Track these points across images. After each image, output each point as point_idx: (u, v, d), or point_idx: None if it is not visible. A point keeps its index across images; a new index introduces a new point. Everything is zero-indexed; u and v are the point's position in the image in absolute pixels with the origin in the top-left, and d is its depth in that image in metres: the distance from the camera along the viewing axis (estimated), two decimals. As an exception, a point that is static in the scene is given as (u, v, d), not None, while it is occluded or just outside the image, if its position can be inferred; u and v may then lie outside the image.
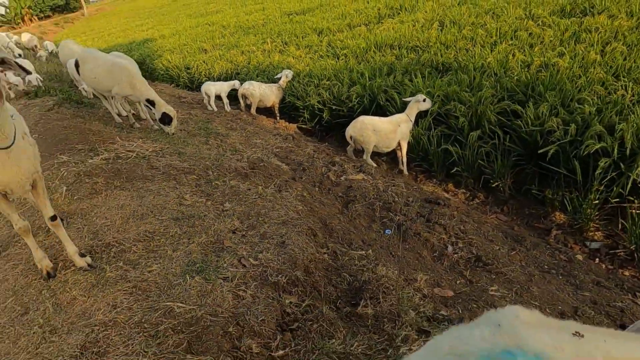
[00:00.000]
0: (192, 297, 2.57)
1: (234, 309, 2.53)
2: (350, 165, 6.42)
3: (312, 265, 3.30)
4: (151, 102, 5.99)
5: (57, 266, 2.82)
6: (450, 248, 4.48)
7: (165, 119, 6.00)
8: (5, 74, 7.63)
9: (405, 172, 6.92)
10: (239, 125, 8.32)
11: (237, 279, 2.81)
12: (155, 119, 6.27)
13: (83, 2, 46.16)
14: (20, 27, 38.13)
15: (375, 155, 7.14)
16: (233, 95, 9.94)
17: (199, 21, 22.27)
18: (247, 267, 2.99)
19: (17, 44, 18.41)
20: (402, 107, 7.32)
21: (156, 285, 2.70)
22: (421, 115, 7.07)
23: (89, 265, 2.80)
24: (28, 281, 2.78)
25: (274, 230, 3.62)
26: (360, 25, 12.81)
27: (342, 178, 5.95)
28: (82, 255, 2.81)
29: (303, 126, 9.13)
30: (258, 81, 9.99)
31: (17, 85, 7.56)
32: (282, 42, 13.30)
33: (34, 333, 2.31)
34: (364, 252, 3.95)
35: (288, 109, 9.53)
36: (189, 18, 25.08)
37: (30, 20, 41.54)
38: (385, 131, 6.71)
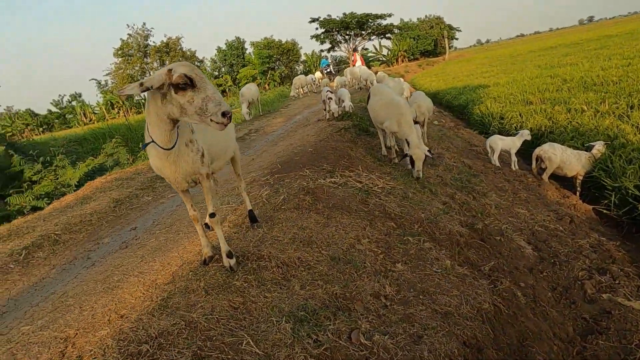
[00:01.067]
0: (267, 342, 2.39)
1: (288, 380, 2.19)
2: (633, 284, 4.42)
3: (436, 387, 2.46)
4: (408, 143, 6.01)
5: (215, 256, 3.24)
6: None
7: (409, 160, 5.89)
8: (330, 100, 9.47)
9: None
10: (512, 188, 7.22)
11: (325, 349, 2.42)
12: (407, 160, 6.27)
13: (447, 48, 51.55)
14: (392, 66, 46.41)
15: None
16: (524, 153, 8.72)
17: (542, 72, 20.70)
18: (351, 344, 2.53)
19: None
20: None
21: (258, 312, 2.67)
22: None
23: (231, 267, 3.07)
24: (194, 259, 3.33)
25: (424, 318, 2.91)
26: None
27: (604, 296, 4.18)
28: (230, 256, 3.10)
29: (604, 211, 6.99)
30: (566, 145, 8.35)
31: (332, 112, 9.25)
32: (627, 104, 10.61)
33: (154, 303, 2.74)
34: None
35: (589, 186, 7.53)
36: (536, 68, 23.68)
37: (402, 60, 49.82)
38: None
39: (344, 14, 44.87)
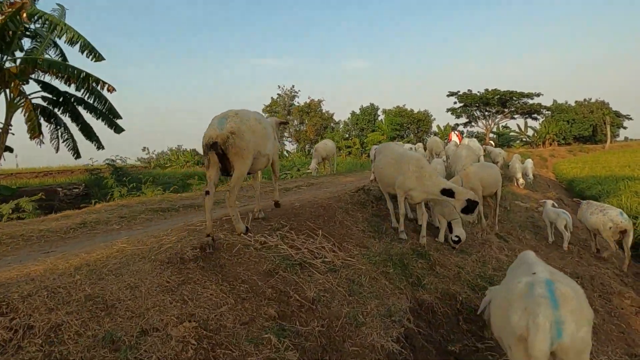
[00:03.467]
0: None
1: None
2: None
3: None
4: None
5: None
6: None
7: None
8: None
9: None
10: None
11: None
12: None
13: (608, 136, 44.05)
14: (535, 147, 41.55)
15: None
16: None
17: None
18: None
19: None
20: None
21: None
22: None
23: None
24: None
25: None
26: None
27: None
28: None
29: None
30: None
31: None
32: None
33: None
34: None
35: None
36: None
37: (550, 143, 44.35)
38: None
39: (486, 89, 42.75)
